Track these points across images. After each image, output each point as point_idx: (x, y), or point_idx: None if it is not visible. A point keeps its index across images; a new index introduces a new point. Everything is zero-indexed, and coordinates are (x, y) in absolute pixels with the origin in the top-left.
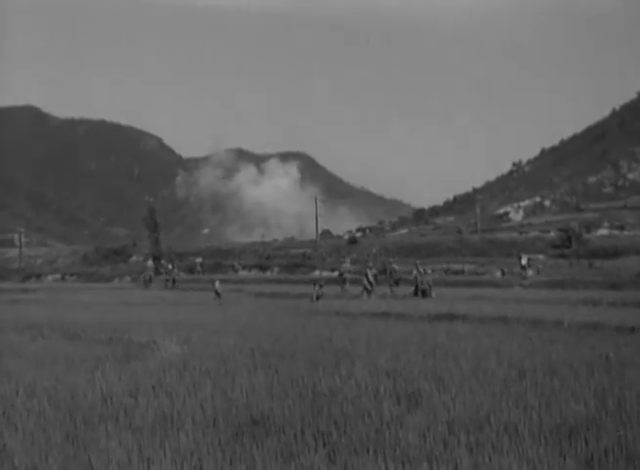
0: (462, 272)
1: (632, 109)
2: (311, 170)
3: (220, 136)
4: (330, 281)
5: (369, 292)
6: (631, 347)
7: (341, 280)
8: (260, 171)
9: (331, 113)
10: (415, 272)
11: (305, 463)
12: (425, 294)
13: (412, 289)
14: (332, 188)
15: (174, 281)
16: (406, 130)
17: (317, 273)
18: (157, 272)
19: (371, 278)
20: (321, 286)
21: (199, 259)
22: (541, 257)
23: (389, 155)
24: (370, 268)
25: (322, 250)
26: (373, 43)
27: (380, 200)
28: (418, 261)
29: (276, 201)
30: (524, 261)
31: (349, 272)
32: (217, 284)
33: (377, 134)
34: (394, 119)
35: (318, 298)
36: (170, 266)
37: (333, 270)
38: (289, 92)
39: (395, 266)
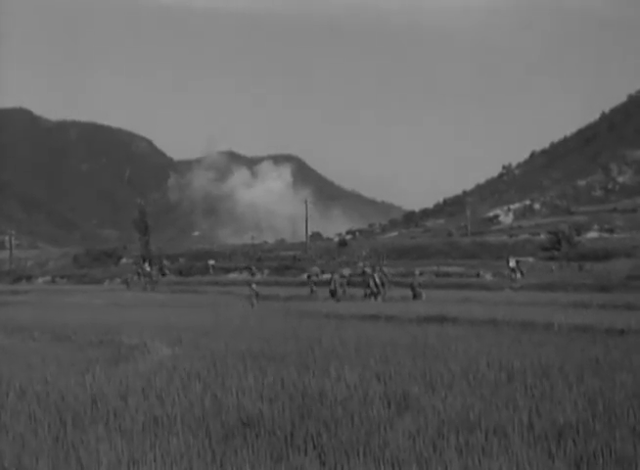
0: (477, 275)
1: (622, 112)
2: (303, 173)
3: (211, 139)
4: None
5: (376, 294)
6: (621, 349)
7: (310, 283)
8: (253, 174)
9: (321, 116)
10: (376, 275)
11: (295, 465)
12: (415, 296)
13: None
14: (324, 191)
15: (154, 282)
16: (396, 134)
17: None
18: (144, 274)
19: (378, 281)
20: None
21: (212, 262)
22: (531, 259)
23: (381, 158)
24: (377, 271)
25: (312, 252)
26: (364, 46)
27: (371, 203)
28: (384, 263)
29: (269, 203)
30: (512, 264)
31: (317, 276)
32: (254, 286)
33: (368, 137)
34: (385, 123)
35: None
36: (148, 269)
37: (322, 272)
38: (278, 95)
39: (368, 269)
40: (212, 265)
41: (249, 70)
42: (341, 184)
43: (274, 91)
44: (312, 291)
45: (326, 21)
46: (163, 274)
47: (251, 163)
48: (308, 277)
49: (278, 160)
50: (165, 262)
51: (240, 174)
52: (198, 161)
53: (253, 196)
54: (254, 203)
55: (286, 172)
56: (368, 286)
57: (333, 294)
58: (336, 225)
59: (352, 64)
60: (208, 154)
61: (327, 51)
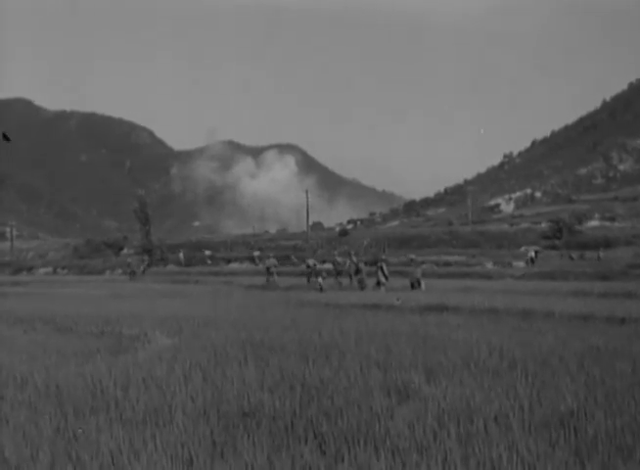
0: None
1: (623, 100)
2: (305, 163)
3: (212, 129)
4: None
5: (382, 284)
6: (621, 338)
7: (267, 273)
8: (257, 164)
9: (321, 105)
10: (348, 262)
11: (296, 454)
12: (414, 286)
13: (348, 279)
14: (328, 181)
15: (134, 273)
16: (398, 123)
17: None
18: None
19: (386, 272)
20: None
21: (257, 253)
22: (532, 248)
23: (382, 147)
24: (383, 261)
25: (313, 242)
26: (365, 35)
27: (373, 192)
28: (352, 252)
29: (274, 193)
30: (531, 254)
31: (275, 266)
32: (320, 280)
33: (369, 127)
34: (386, 112)
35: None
36: (129, 260)
37: (323, 262)
38: (278, 85)
39: (339, 259)
40: (259, 256)
41: (248, 61)
42: (342, 174)
43: (274, 81)
44: (268, 280)
45: (326, 12)
46: (165, 265)
47: (254, 152)
48: (267, 269)
49: (281, 149)
50: (181, 255)
51: (244, 164)
52: (200, 150)
53: (258, 186)
54: (259, 193)
55: (290, 162)
56: (338, 274)
57: (361, 283)
58: (341, 214)
59: (352, 53)
60: (210, 144)
61: (323, 41)
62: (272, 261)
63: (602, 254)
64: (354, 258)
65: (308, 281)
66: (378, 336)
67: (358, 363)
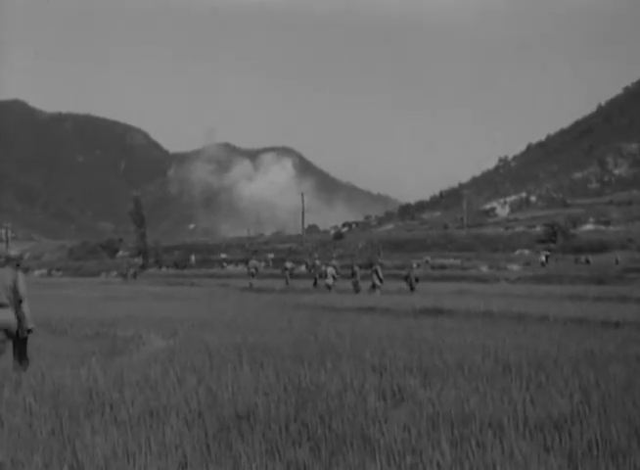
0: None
1: (618, 104)
2: (302, 166)
3: (208, 131)
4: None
5: (376, 287)
6: (616, 341)
7: (250, 274)
8: (255, 167)
9: (317, 108)
10: (318, 263)
11: (290, 458)
12: (413, 289)
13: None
14: (325, 184)
15: (125, 276)
16: (393, 127)
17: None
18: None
19: (381, 275)
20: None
21: (270, 256)
22: (527, 252)
23: (377, 151)
24: (378, 264)
25: (308, 244)
26: (363, 39)
27: (368, 195)
28: (334, 256)
29: (271, 196)
30: (542, 258)
31: (256, 269)
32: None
33: (364, 130)
34: (381, 116)
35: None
36: (135, 260)
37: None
38: (274, 88)
39: (318, 262)
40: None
41: (246, 64)
42: (338, 177)
43: (271, 84)
44: (251, 285)
45: (324, 16)
46: (160, 267)
47: (250, 155)
48: (249, 269)
49: (278, 152)
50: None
51: (241, 167)
52: (196, 153)
53: (255, 189)
54: (256, 196)
55: (288, 165)
56: (320, 276)
57: (355, 286)
58: (339, 217)
59: (350, 57)
60: (207, 146)
61: (325, 45)
62: (253, 263)
63: (619, 257)
64: (335, 262)
65: (287, 283)
66: (373, 339)
67: (353, 366)
